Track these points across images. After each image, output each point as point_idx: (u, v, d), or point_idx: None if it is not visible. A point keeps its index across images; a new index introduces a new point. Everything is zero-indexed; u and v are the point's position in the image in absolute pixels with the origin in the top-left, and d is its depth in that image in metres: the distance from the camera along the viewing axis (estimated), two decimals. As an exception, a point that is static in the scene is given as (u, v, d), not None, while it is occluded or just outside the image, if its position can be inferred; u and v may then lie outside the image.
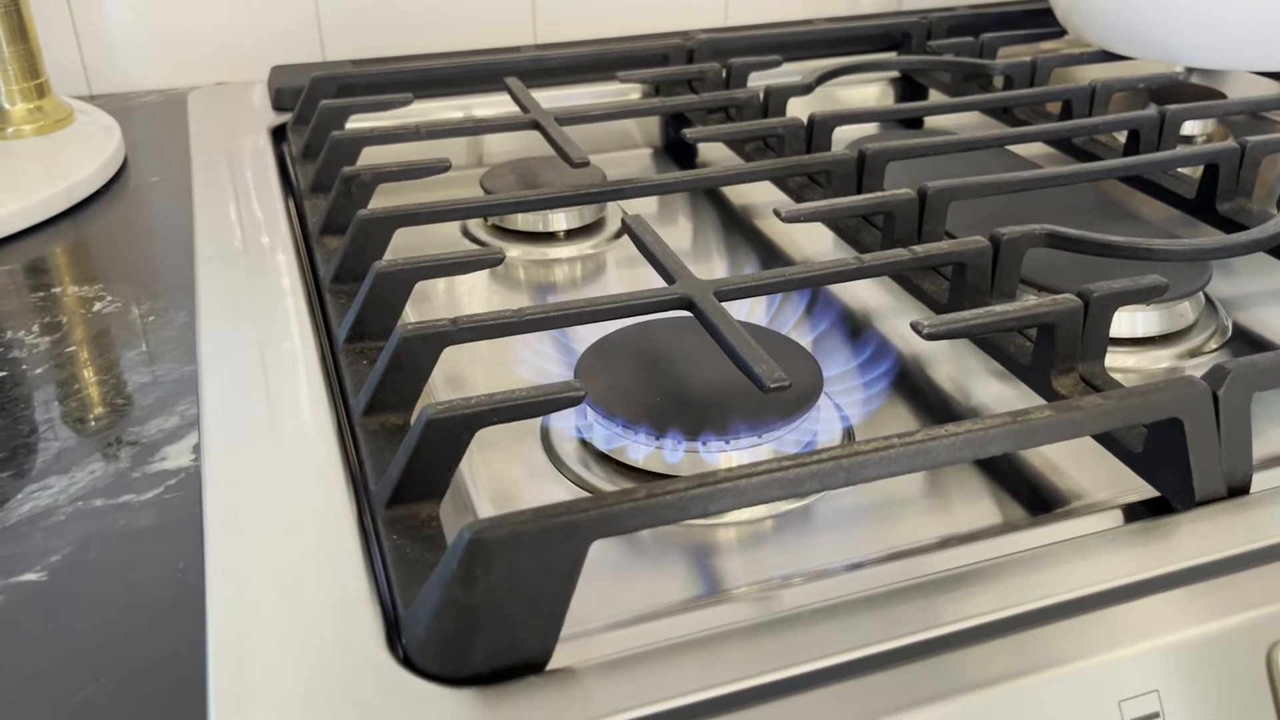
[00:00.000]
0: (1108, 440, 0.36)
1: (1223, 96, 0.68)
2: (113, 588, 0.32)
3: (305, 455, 0.36)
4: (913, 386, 0.44)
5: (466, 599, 0.27)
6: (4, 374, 0.42)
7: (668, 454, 0.37)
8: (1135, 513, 0.35)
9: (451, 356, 0.37)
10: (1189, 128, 0.68)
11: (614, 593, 0.33)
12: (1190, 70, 0.69)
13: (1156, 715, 0.28)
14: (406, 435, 0.32)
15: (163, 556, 0.33)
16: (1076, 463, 0.39)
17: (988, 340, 0.43)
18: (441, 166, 0.52)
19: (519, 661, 0.27)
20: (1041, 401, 0.38)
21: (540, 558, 0.27)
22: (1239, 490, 0.34)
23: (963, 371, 0.45)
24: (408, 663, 0.28)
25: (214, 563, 0.31)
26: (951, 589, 0.30)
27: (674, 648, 0.28)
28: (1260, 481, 0.34)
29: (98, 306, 0.48)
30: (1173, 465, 0.34)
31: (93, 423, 0.39)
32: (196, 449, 0.38)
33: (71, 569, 0.32)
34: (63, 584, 0.32)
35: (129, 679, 0.29)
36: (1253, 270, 0.52)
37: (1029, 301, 0.39)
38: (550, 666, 0.28)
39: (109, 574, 0.32)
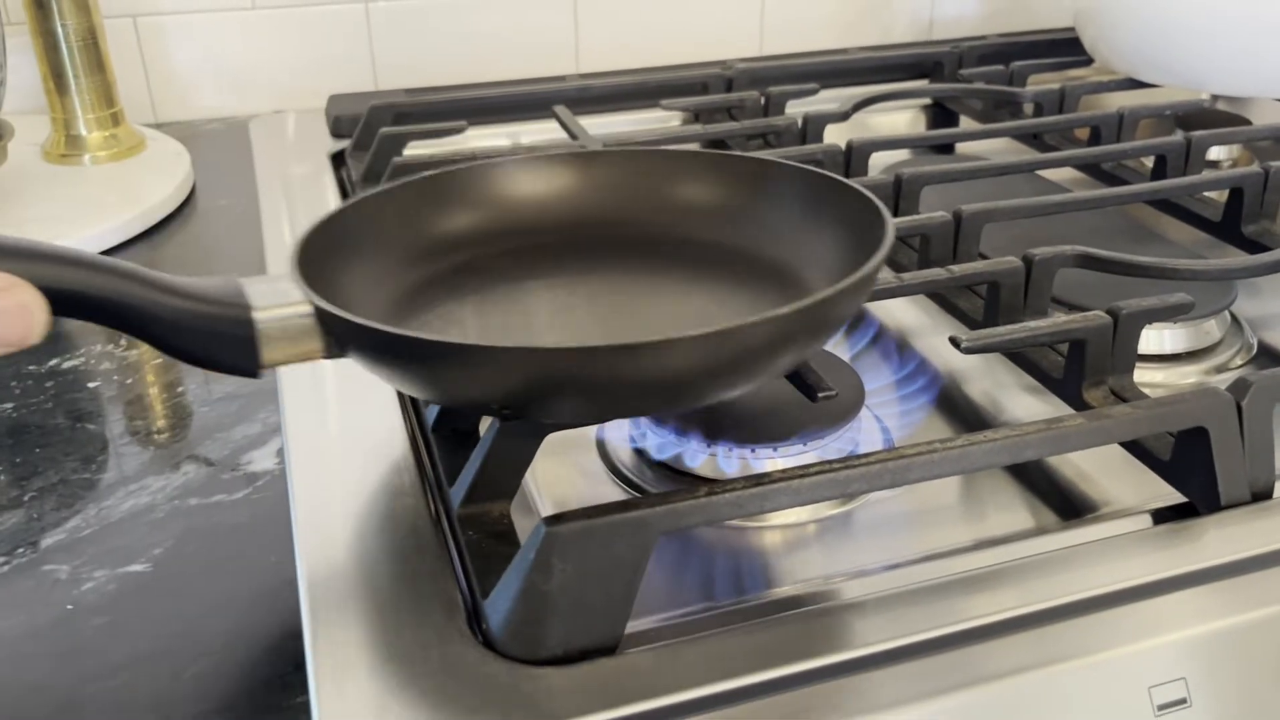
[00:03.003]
0: (1136, 448, 0.38)
1: (1248, 122, 0.70)
2: (212, 577, 0.34)
3: (381, 459, 0.38)
4: (949, 399, 0.47)
5: (543, 586, 0.29)
6: (97, 384, 0.45)
7: (719, 461, 0.40)
8: (1163, 517, 0.37)
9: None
10: (1215, 152, 0.70)
11: (673, 587, 0.35)
12: (1216, 97, 0.71)
13: (1184, 700, 0.30)
14: (481, 439, 0.35)
15: (256, 549, 0.35)
16: (1105, 471, 0.40)
17: (1021, 355, 0.45)
18: (498, 191, 0.54)
19: (591, 645, 0.30)
20: (1073, 412, 0.40)
21: (611, 549, 0.29)
22: (1262, 495, 0.36)
23: (997, 386, 0.47)
24: (488, 645, 0.30)
25: (304, 555, 0.34)
26: (988, 585, 0.32)
27: (727, 636, 0.31)
28: (1283, 489, 0.36)
29: (177, 322, 0.51)
30: (1199, 472, 0.36)
31: (182, 429, 0.42)
32: (280, 453, 0.40)
33: (174, 560, 0.35)
34: (167, 573, 0.35)
35: (233, 656, 0.31)
36: (1278, 290, 0.54)
37: (1060, 318, 0.41)
38: (618, 650, 0.30)
39: (208, 565, 0.35)
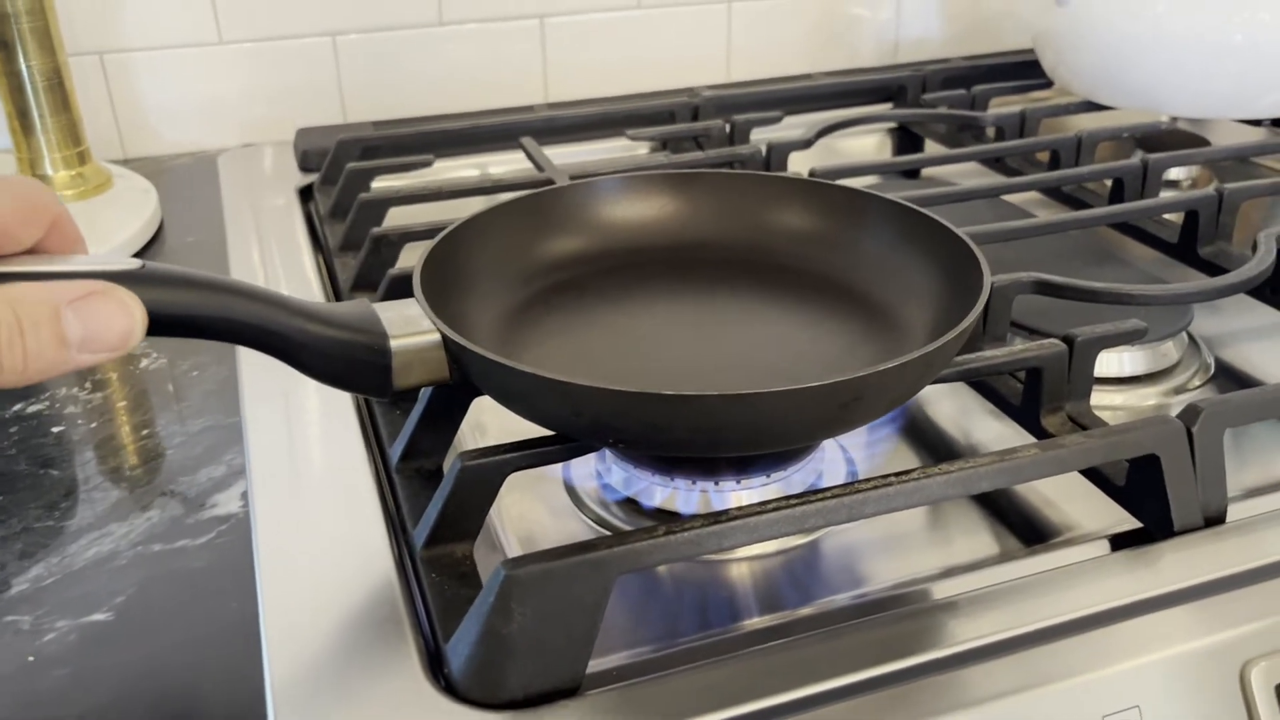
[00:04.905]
0: (1093, 475, 0.39)
1: (1207, 143, 0.71)
2: (175, 624, 0.34)
3: (346, 501, 0.38)
4: (914, 426, 0.47)
5: (503, 630, 0.29)
6: (61, 429, 0.45)
7: (682, 494, 0.40)
8: (1121, 542, 0.37)
9: (475, 405, 0.40)
10: (1175, 173, 0.71)
11: (639, 623, 0.35)
12: (1176, 118, 0.72)
13: (1138, 729, 0.30)
14: (442, 481, 0.35)
15: (219, 595, 0.35)
16: (1069, 496, 0.41)
17: (982, 382, 0.45)
18: (464, 226, 0.55)
19: (552, 687, 0.30)
20: (1033, 440, 0.41)
21: (570, 591, 0.30)
22: (1215, 520, 0.36)
23: (962, 412, 0.48)
24: (449, 690, 0.30)
25: (267, 601, 0.34)
26: (950, 614, 0.33)
27: (691, 672, 0.31)
28: (1238, 511, 0.37)
29: (144, 364, 0.51)
30: (1152, 498, 0.36)
31: (145, 473, 0.42)
32: (244, 496, 0.40)
33: (136, 608, 0.35)
34: (129, 622, 0.34)
35: (194, 703, 0.31)
36: (1237, 310, 0.54)
37: (1017, 346, 0.41)
38: (580, 691, 0.30)
39: (170, 612, 0.35)
